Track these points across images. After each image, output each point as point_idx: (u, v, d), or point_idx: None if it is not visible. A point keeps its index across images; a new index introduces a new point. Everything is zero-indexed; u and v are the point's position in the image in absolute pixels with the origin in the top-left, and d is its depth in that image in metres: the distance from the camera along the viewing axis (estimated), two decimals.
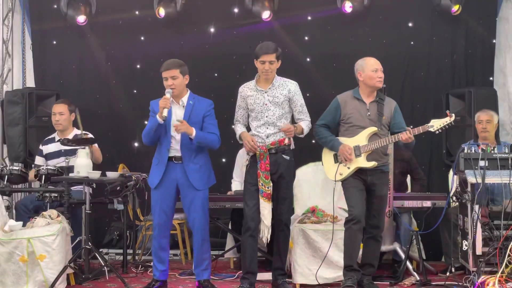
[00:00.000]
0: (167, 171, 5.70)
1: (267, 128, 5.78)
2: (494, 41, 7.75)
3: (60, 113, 6.97)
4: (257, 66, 5.79)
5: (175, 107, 5.71)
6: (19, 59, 8.19)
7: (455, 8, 7.59)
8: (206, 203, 5.80)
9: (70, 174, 6.36)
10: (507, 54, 7.65)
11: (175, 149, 5.71)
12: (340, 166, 5.69)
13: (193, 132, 5.62)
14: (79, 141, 6.45)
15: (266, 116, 5.77)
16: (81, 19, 7.93)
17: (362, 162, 5.64)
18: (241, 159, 7.03)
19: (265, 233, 5.74)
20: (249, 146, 5.73)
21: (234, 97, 6.05)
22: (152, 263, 5.96)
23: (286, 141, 5.77)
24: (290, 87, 5.81)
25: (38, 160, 7.01)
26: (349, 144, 5.66)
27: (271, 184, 5.72)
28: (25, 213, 6.55)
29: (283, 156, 5.78)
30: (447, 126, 5.63)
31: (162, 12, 7.84)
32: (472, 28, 7.81)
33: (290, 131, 5.68)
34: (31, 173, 6.81)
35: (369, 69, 5.70)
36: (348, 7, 7.68)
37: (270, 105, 5.77)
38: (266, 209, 5.70)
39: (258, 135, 5.79)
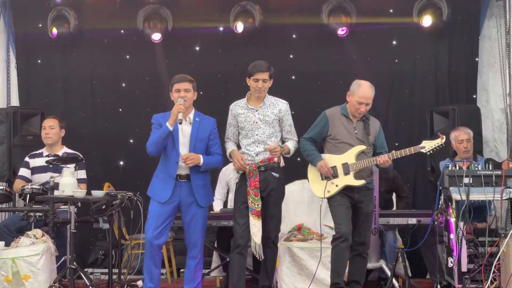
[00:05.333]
0: (175, 186, 5.70)
1: (257, 146, 5.79)
2: (477, 59, 7.81)
3: (51, 126, 6.98)
4: (249, 84, 5.82)
5: (182, 123, 5.70)
6: (4, 78, 8.17)
7: (421, 20, 7.63)
8: (205, 221, 5.82)
9: (55, 193, 6.32)
10: (489, 71, 7.73)
11: (181, 166, 5.71)
12: (328, 183, 5.69)
13: (201, 161, 5.67)
14: (65, 160, 6.43)
15: (256, 134, 5.79)
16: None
17: (351, 180, 5.65)
18: (224, 177, 7.05)
19: (257, 250, 5.72)
20: (238, 165, 5.75)
21: (220, 115, 6.07)
22: (137, 282, 5.93)
23: (276, 159, 5.77)
24: (281, 107, 5.85)
25: (23, 171, 6.95)
26: (337, 162, 5.67)
27: (261, 201, 5.73)
28: (7, 234, 6.48)
29: (273, 173, 5.78)
30: (438, 148, 5.66)
31: (157, 37, 7.88)
32: (455, 46, 7.88)
33: (276, 151, 5.71)
34: (16, 184, 6.79)
35: (355, 98, 5.67)
36: (340, 31, 7.74)
37: (261, 124, 5.79)
38: (255, 226, 5.69)
39: (248, 153, 5.80)
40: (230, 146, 5.92)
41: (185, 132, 5.75)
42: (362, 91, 5.68)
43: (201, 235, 5.77)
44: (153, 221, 5.71)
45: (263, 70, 5.76)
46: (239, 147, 5.94)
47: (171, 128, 5.62)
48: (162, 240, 5.76)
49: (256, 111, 5.81)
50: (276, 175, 5.80)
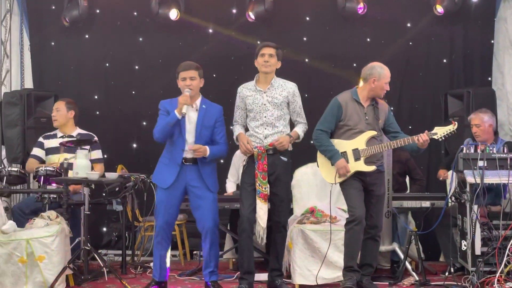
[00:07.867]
0: (179, 172, 5.70)
1: (266, 128, 5.77)
2: (492, 41, 7.74)
3: (57, 109, 7.00)
4: (257, 64, 5.80)
5: (189, 109, 5.70)
6: (17, 60, 8.20)
7: (438, 8, 7.58)
8: (216, 206, 5.79)
9: (69, 175, 6.35)
10: (505, 54, 7.65)
11: (187, 151, 5.71)
12: None
13: (207, 153, 5.66)
14: (78, 142, 6.45)
15: (265, 117, 5.77)
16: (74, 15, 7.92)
17: (361, 166, 5.63)
18: (238, 159, 7.03)
19: (261, 234, 5.72)
20: (244, 148, 5.74)
21: (233, 98, 6.05)
22: (152, 264, 5.96)
23: None
24: (289, 89, 5.81)
25: (37, 151, 6.97)
26: (347, 147, 5.64)
27: (268, 185, 5.72)
28: (21, 217, 6.51)
29: (281, 157, 5.77)
30: (450, 134, 5.64)
31: (174, 14, 7.87)
32: (471, 28, 7.81)
33: (283, 145, 5.68)
34: (29, 163, 6.87)
35: (384, 80, 5.68)
36: (359, 9, 7.68)
37: (269, 106, 5.77)
38: (262, 210, 5.69)
39: (256, 135, 5.78)
40: (238, 130, 5.90)
41: (191, 119, 5.73)
42: (387, 71, 5.71)
43: (212, 220, 5.69)
44: (161, 208, 5.73)
45: (270, 46, 5.75)
46: (246, 130, 5.92)
47: (179, 117, 5.61)
48: (172, 224, 5.81)
49: (265, 93, 5.79)
50: (285, 159, 5.79)
